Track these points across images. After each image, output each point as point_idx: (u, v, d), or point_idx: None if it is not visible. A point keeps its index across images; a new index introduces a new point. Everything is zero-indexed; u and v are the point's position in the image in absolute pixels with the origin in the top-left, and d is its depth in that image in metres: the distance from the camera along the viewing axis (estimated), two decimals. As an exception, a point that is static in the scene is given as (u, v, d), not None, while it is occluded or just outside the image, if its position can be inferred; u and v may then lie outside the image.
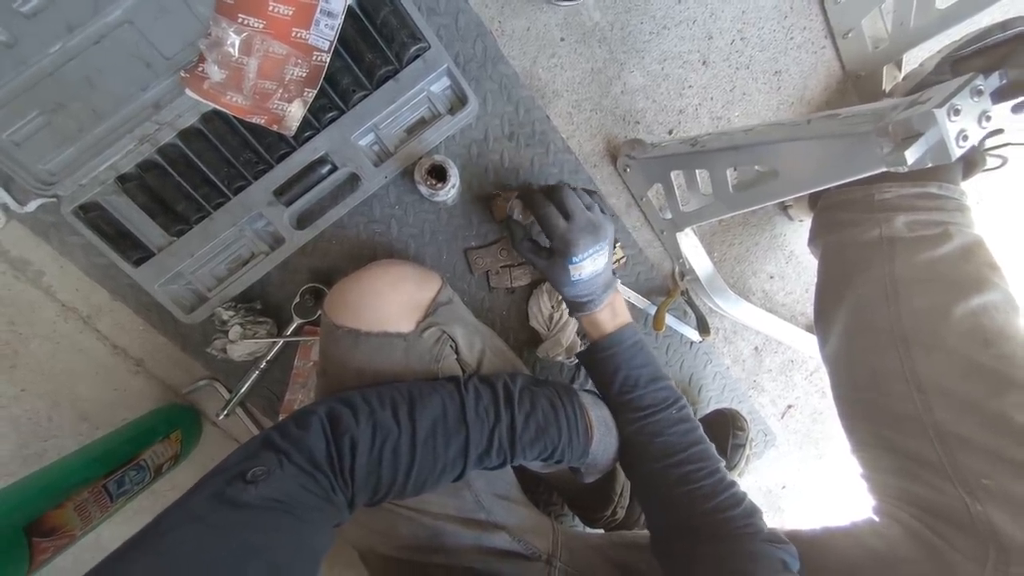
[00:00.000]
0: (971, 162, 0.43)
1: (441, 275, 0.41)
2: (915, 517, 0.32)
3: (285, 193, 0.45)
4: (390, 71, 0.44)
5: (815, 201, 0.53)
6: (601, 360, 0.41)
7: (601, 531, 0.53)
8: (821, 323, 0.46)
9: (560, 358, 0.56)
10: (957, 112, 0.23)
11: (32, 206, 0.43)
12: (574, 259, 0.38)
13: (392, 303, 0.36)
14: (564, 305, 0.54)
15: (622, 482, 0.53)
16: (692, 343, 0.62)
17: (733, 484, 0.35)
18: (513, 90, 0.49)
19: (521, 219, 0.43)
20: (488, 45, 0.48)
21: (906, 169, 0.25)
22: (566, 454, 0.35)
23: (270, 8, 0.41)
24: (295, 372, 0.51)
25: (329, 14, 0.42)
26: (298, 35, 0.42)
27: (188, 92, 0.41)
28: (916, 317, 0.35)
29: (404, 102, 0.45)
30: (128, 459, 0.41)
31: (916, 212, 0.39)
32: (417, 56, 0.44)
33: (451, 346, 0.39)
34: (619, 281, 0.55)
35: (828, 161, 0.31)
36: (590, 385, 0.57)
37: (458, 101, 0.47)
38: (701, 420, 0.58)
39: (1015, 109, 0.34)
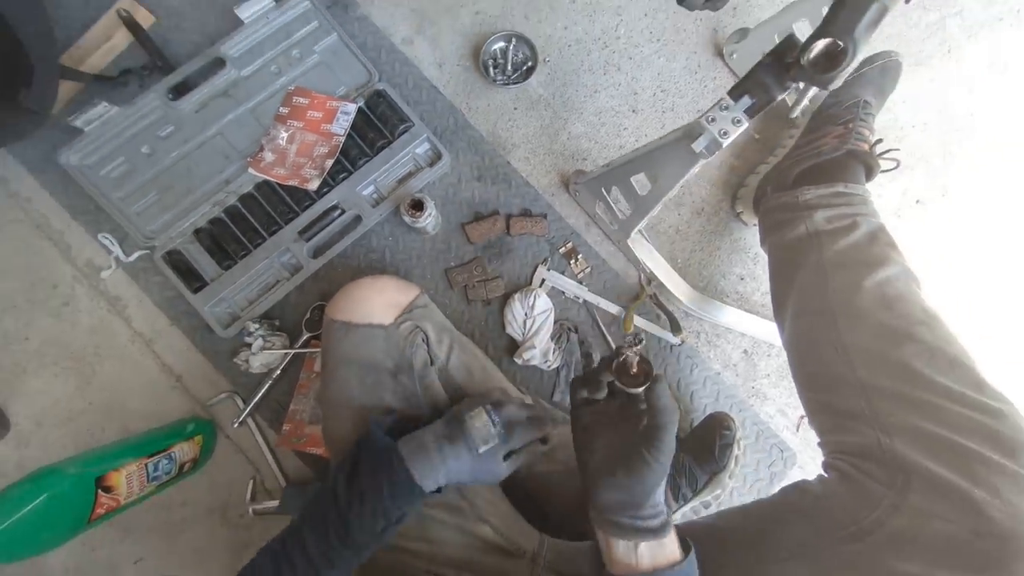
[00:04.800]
0: (868, 166, 0.50)
1: (421, 287, 0.50)
2: (846, 462, 0.35)
3: (306, 232, 0.59)
4: (385, 142, 0.61)
5: (758, 206, 0.59)
6: None
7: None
8: (778, 313, 0.50)
9: (535, 362, 0.60)
10: (712, 120, 0.36)
11: (134, 256, 0.60)
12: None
13: (376, 302, 0.45)
14: (536, 310, 0.60)
15: None
16: (672, 346, 0.63)
17: None
18: (479, 146, 0.64)
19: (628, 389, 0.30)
20: (458, 118, 0.64)
21: (704, 155, 0.36)
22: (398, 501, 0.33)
23: (308, 115, 0.61)
24: (300, 384, 0.59)
25: (345, 113, 0.61)
26: (324, 128, 0.61)
27: (250, 171, 0.59)
28: (838, 293, 0.41)
29: (395, 162, 0.61)
30: (163, 448, 0.49)
31: (831, 208, 0.47)
32: (404, 131, 0.61)
33: (423, 338, 0.46)
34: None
35: (674, 158, 0.41)
36: (566, 398, 0.59)
37: (436, 157, 0.62)
38: (691, 433, 0.56)
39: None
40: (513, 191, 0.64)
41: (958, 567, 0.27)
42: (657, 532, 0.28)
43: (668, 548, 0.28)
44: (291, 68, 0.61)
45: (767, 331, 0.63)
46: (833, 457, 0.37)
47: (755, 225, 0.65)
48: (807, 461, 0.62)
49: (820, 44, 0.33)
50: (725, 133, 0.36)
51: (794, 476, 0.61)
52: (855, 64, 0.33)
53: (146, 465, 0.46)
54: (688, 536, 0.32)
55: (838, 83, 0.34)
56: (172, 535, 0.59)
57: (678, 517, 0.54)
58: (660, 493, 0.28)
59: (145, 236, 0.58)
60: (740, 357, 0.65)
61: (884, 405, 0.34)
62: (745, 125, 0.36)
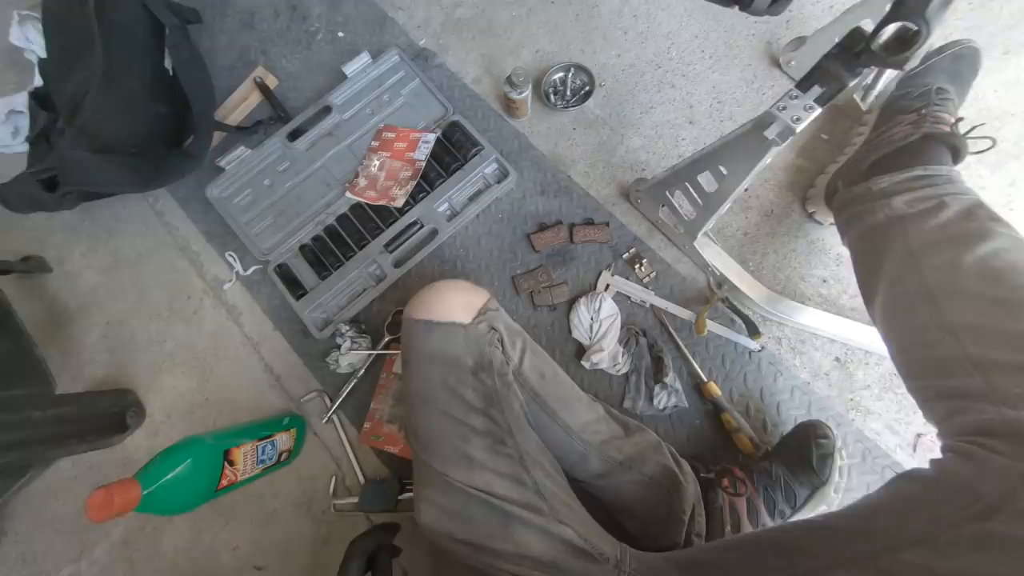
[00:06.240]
0: (953, 146, 0.47)
1: (491, 290, 0.53)
2: (966, 441, 0.32)
3: (390, 245, 0.67)
4: (459, 164, 0.68)
5: (831, 203, 0.57)
6: None
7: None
8: (869, 308, 0.47)
9: (603, 366, 0.59)
10: (783, 108, 0.37)
11: (251, 270, 0.71)
12: None
13: (455, 302, 0.48)
14: (602, 314, 0.61)
15: (691, 500, 0.48)
16: (751, 352, 0.60)
17: None
18: (541, 163, 0.69)
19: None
20: (522, 140, 0.71)
21: (776, 142, 0.37)
22: None
23: (395, 146, 0.70)
24: (380, 384, 0.64)
25: (426, 142, 0.69)
26: (408, 155, 0.69)
27: (347, 194, 0.69)
28: (935, 273, 0.39)
29: (467, 181, 0.68)
30: (269, 435, 0.55)
31: (911, 192, 0.45)
32: (476, 154, 0.68)
33: (498, 339, 0.48)
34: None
35: (743, 150, 0.42)
36: (641, 403, 0.58)
37: (503, 174, 0.68)
38: (780, 442, 0.52)
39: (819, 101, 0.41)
40: (575, 202, 0.67)
41: None
42: None
43: None
44: (382, 109, 0.72)
45: (861, 335, 0.57)
46: (951, 441, 0.34)
47: (831, 224, 0.62)
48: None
49: (891, 28, 0.33)
50: (797, 119, 0.37)
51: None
52: (926, 45, 0.33)
53: (256, 447, 0.52)
54: (784, 536, 0.29)
55: (914, 62, 0.34)
56: (264, 524, 0.63)
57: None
58: None
59: (262, 253, 0.69)
60: (832, 365, 0.59)
61: (1003, 379, 0.31)
62: (817, 111, 0.37)
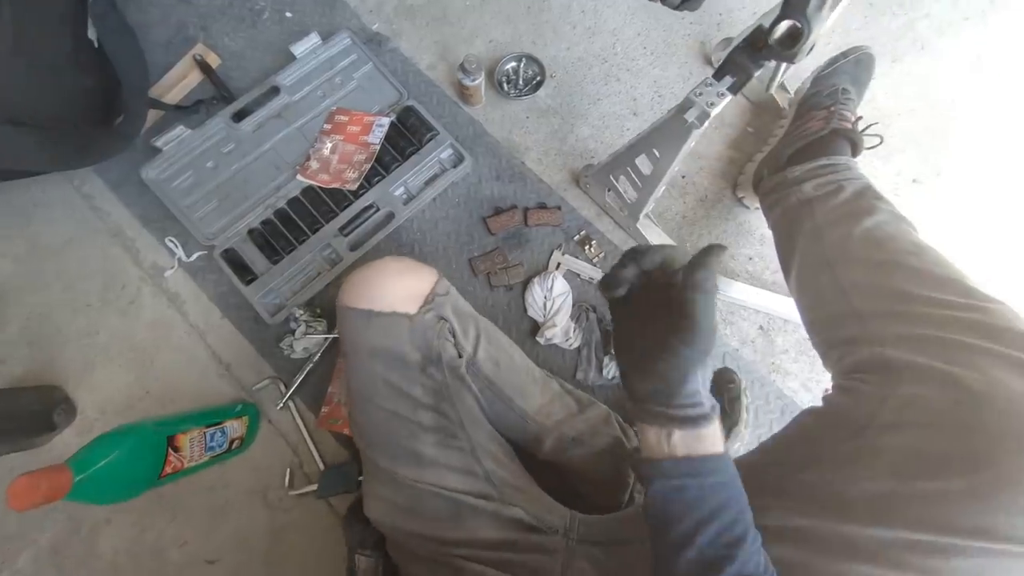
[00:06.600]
0: (853, 141, 0.55)
1: (438, 270, 0.47)
2: (847, 378, 0.37)
3: (345, 229, 0.66)
4: (414, 148, 0.69)
5: (757, 189, 0.64)
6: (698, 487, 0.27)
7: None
8: (788, 280, 0.53)
9: (556, 341, 0.63)
10: (700, 94, 0.43)
11: (194, 256, 0.67)
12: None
13: (398, 288, 0.43)
14: (554, 292, 0.64)
15: None
16: (687, 324, 0.65)
17: None
18: (496, 149, 0.72)
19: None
20: (477, 127, 0.73)
21: (695, 125, 0.42)
22: None
23: (348, 129, 0.70)
24: (338, 366, 0.63)
25: (380, 126, 0.69)
26: (362, 139, 0.69)
27: (299, 177, 0.68)
28: (832, 245, 0.46)
29: (423, 165, 0.68)
30: (219, 421, 0.53)
31: (816, 178, 0.52)
32: (431, 139, 0.69)
33: (448, 330, 0.45)
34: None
35: (670, 134, 0.47)
36: (592, 375, 0.61)
37: (459, 159, 0.70)
38: None
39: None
40: (529, 188, 0.70)
41: (943, 436, 0.29)
42: (695, 422, 0.26)
43: (708, 441, 0.27)
44: (334, 92, 0.71)
45: (780, 306, 0.65)
46: (837, 380, 0.39)
47: (757, 208, 0.69)
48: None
49: (782, 26, 0.39)
50: (712, 104, 0.42)
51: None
52: (812, 41, 0.38)
53: (204, 433, 0.50)
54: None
55: (801, 57, 0.39)
56: (215, 516, 0.61)
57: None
58: (696, 382, 0.26)
59: (206, 237, 0.66)
60: (757, 333, 0.66)
61: (877, 324, 0.37)
62: (729, 97, 0.42)
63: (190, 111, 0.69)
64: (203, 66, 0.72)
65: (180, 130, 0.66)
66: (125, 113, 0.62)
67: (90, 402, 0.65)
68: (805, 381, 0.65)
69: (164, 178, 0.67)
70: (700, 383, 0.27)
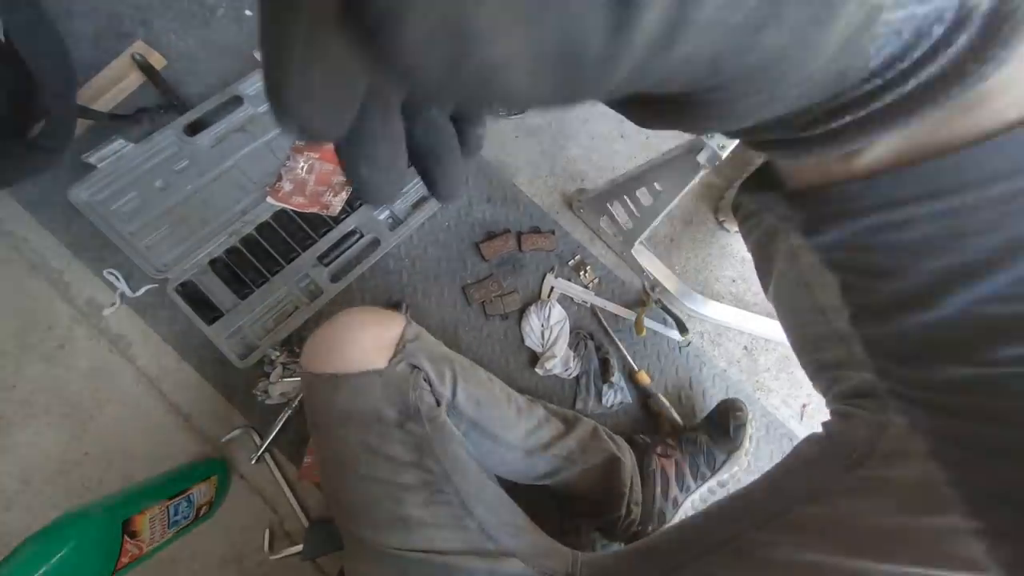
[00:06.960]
0: None
1: (403, 315, 0.45)
2: (843, 404, 0.39)
3: (324, 258, 0.60)
4: (400, 170, 0.64)
5: (736, 213, 0.66)
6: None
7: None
8: (768, 299, 0.54)
9: (556, 371, 0.62)
10: (711, 136, 0.43)
11: (142, 291, 0.58)
12: None
13: (365, 341, 0.40)
14: (551, 320, 0.63)
15: (629, 473, 0.53)
16: (681, 347, 0.67)
17: None
18: (486, 170, 0.69)
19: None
20: (466, 147, 0.69)
21: (704, 166, 0.42)
22: None
23: (324, 146, 0.64)
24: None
25: (360, 144, 0.64)
26: (339, 158, 0.63)
27: (269, 200, 0.61)
28: (810, 267, 0.46)
29: (410, 188, 0.64)
30: (182, 491, 0.46)
31: None
32: (418, 159, 0.65)
33: (424, 378, 0.42)
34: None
35: (677, 171, 0.48)
36: (591, 403, 0.61)
37: (448, 182, 0.66)
38: (706, 417, 0.60)
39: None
40: (521, 211, 0.68)
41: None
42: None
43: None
44: (307, 105, 0.64)
45: (762, 326, 0.68)
46: (834, 406, 0.41)
47: (736, 231, 0.72)
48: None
49: None
50: (723, 147, 0.42)
51: (805, 461, 0.65)
52: None
53: (167, 508, 0.43)
54: (710, 513, 0.33)
55: None
56: (180, 593, 0.53)
57: (696, 497, 0.56)
58: None
59: (156, 269, 0.57)
60: (742, 353, 0.69)
61: (860, 347, 0.39)
62: (737, 139, 0.43)
63: (130, 121, 0.60)
64: (145, 68, 0.62)
65: (119, 143, 0.57)
66: (46, 122, 0.52)
67: (7, 471, 0.54)
68: (785, 397, 0.69)
69: (100, 200, 0.57)
70: None
